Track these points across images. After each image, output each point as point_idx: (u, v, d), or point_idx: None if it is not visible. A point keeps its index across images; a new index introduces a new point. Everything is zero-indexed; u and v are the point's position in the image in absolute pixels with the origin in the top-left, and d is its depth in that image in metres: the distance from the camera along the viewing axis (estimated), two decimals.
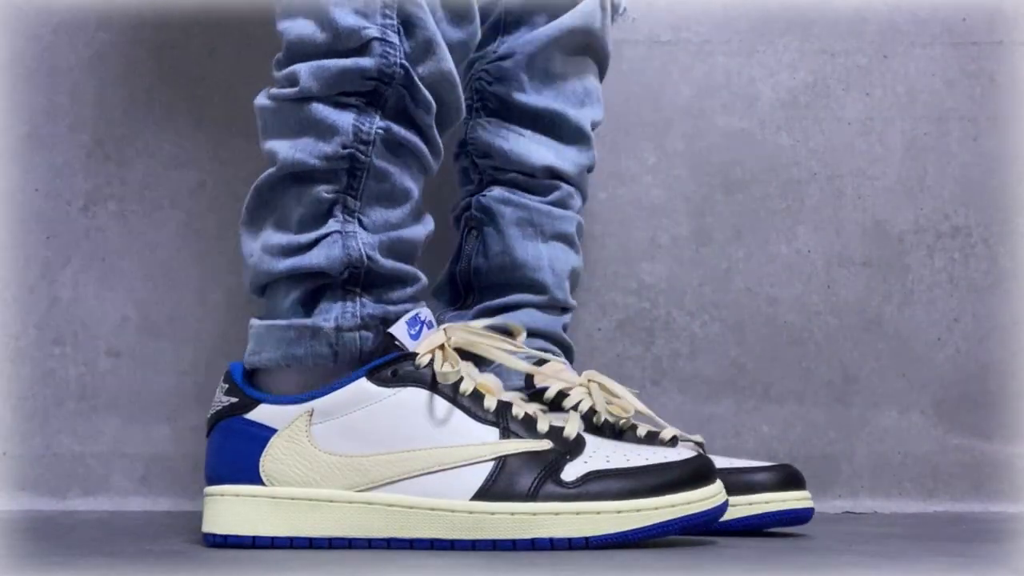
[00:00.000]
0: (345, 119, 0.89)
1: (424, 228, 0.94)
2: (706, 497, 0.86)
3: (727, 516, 0.95)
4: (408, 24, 0.90)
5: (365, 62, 0.89)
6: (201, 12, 1.28)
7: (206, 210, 1.27)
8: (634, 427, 1.03)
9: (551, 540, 0.84)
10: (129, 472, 1.25)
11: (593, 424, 1.03)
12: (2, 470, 1.24)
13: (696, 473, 0.87)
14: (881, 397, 1.26)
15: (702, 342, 1.26)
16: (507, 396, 0.93)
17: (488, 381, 0.91)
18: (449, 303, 1.15)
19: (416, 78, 0.90)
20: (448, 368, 0.88)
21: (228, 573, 0.76)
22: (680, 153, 1.28)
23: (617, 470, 0.86)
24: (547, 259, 1.11)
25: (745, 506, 0.99)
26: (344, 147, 0.89)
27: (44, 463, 1.25)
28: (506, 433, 0.87)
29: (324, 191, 0.90)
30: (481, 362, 0.95)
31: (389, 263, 0.91)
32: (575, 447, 0.88)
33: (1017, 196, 1.28)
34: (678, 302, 1.26)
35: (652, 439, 1.02)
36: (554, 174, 1.12)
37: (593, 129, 1.15)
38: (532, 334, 1.09)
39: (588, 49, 1.14)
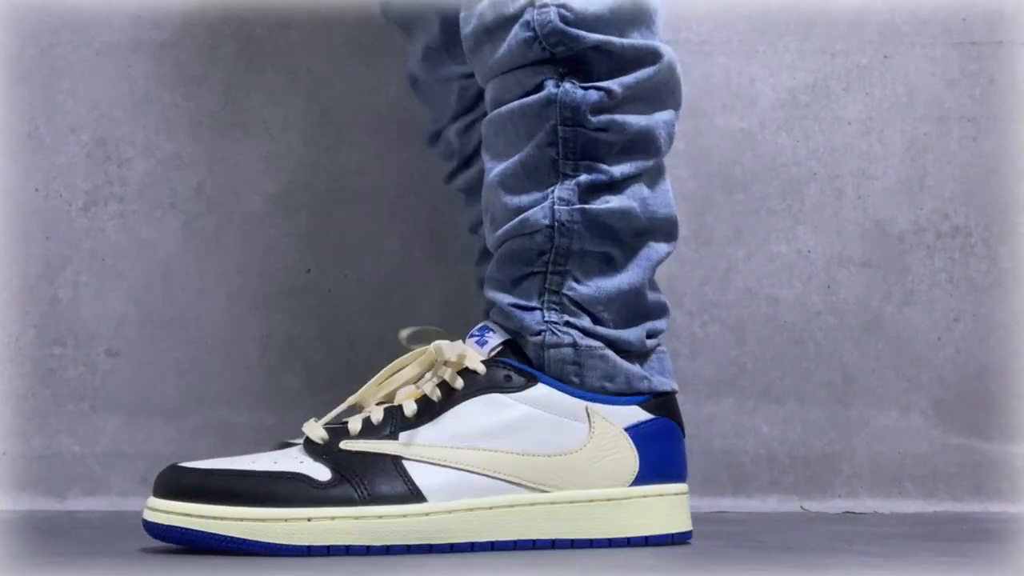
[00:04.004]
0: None
1: None
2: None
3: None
4: None
5: None
6: (201, 12, 1.28)
7: (206, 210, 1.27)
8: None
9: None
10: (129, 472, 1.25)
11: None
12: (2, 470, 1.24)
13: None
14: (881, 397, 1.26)
15: (702, 342, 1.26)
16: None
17: None
18: None
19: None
20: None
21: (227, 573, 0.76)
22: (680, 153, 1.27)
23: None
24: None
25: None
26: None
27: (44, 463, 1.24)
28: None
29: None
30: None
31: None
32: None
33: (1017, 196, 1.27)
34: (678, 302, 1.26)
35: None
36: None
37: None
38: None
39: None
